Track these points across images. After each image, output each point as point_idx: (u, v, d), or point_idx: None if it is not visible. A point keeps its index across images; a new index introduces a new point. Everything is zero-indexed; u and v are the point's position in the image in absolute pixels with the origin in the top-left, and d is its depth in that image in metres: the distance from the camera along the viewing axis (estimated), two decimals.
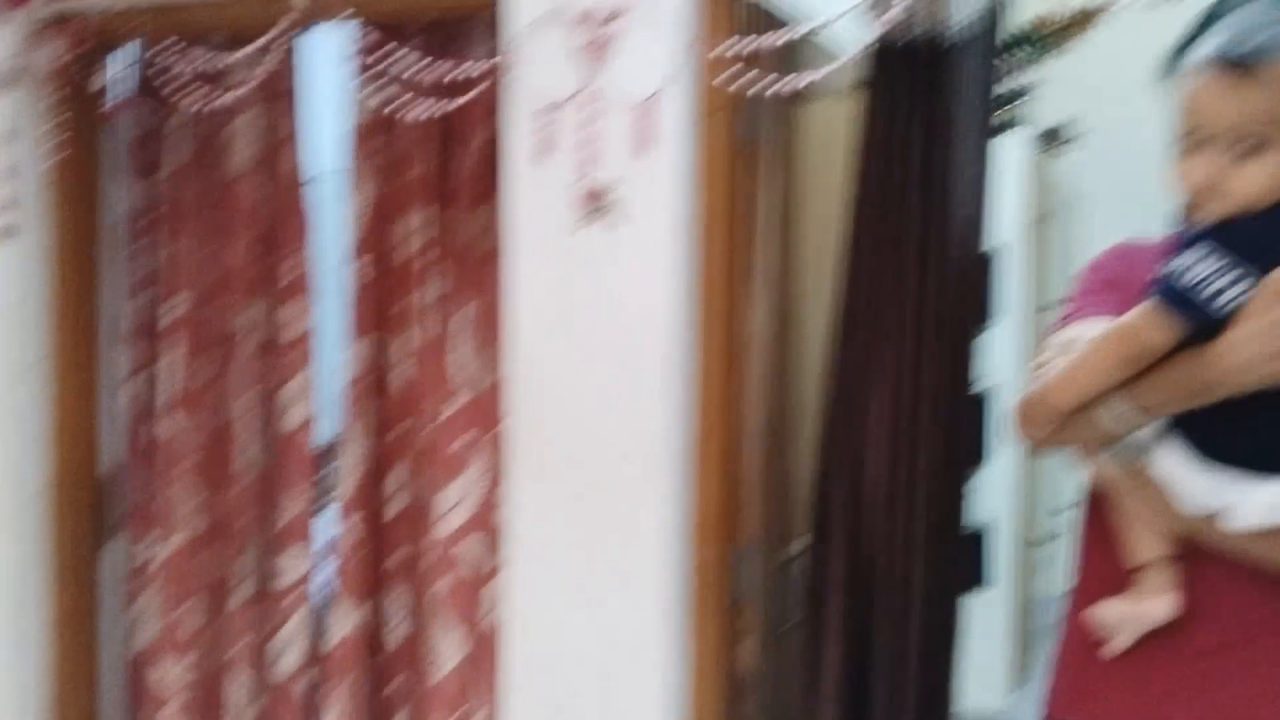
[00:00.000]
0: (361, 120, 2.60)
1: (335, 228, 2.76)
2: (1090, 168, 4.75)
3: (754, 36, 2.12)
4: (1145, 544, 1.44)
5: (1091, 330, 1.43)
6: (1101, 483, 1.49)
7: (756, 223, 2.30)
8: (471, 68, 2.32)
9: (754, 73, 2.14)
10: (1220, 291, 1.26)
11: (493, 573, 2.45)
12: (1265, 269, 1.25)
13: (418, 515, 2.61)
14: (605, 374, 2.18)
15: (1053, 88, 4.32)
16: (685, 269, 2.15)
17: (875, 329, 2.22)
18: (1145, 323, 1.31)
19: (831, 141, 2.48)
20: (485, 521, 2.46)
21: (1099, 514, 1.54)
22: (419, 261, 2.58)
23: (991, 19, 2.23)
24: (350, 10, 2.40)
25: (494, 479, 2.44)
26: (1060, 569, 4.86)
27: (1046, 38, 4.33)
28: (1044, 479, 4.84)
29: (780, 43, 2.09)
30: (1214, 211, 1.28)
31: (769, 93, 2.10)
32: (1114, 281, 1.52)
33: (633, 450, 2.16)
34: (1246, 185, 1.26)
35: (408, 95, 2.46)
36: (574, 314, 2.20)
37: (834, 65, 2.05)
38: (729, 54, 2.12)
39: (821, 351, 2.28)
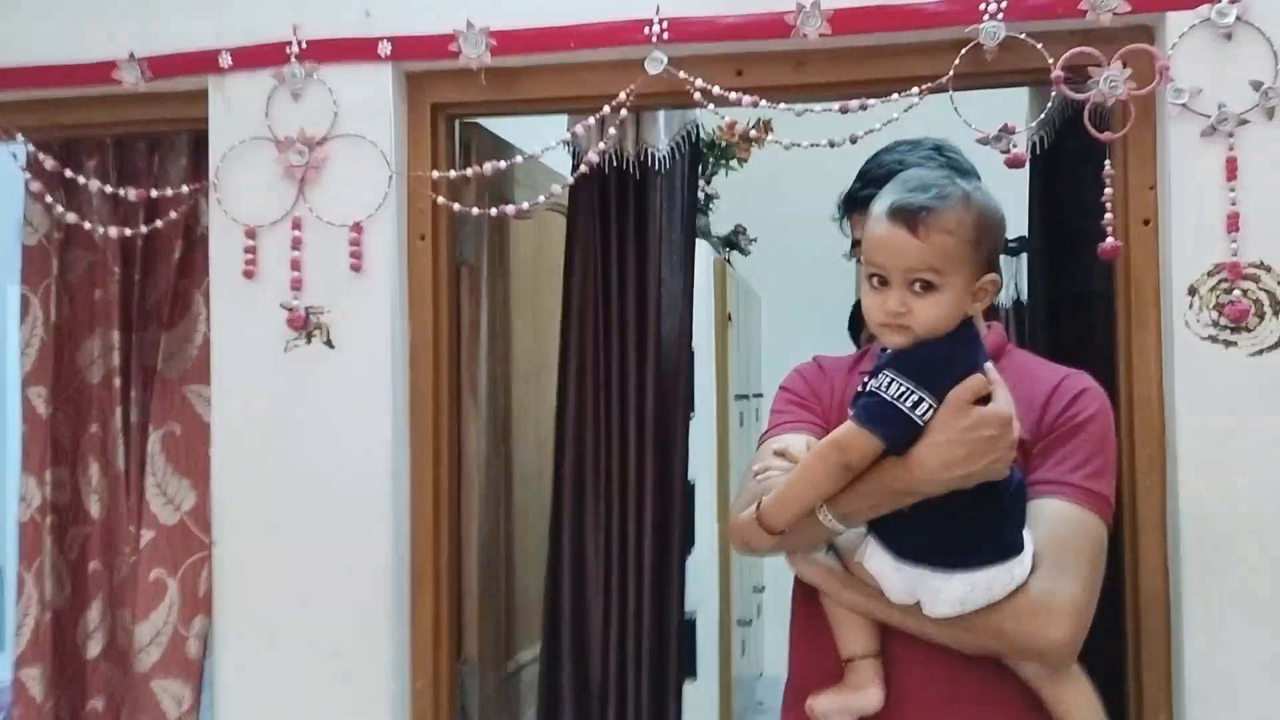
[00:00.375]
0: (35, 239, 2.48)
1: (12, 353, 2.59)
2: (766, 270, 5.11)
3: (470, 167, 2.18)
4: (854, 639, 1.60)
5: (796, 441, 1.62)
6: (811, 582, 1.63)
7: (474, 340, 2.34)
8: (176, 189, 2.27)
9: (466, 196, 2.21)
10: (909, 411, 1.44)
11: (192, 709, 2.34)
12: (944, 389, 1.45)
13: (118, 653, 2.45)
14: (317, 497, 2.14)
15: (733, 195, 4.60)
16: (398, 390, 2.15)
17: (594, 434, 2.33)
18: (849, 440, 1.47)
19: (547, 257, 2.58)
20: (184, 656, 2.34)
21: (806, 610, 1.69)
22: (108, 385, 2.45)
23: (689, 140, 2.39)
24: (32, 128, 2.29)
25: (194, 609, 2.33)
26: (763, 650, 5.09)
27: (727, 149, 4.64)
28: (742, 560, 5.06)
29: (490, 172, 2.16)
30: (899, 339, 1.47)
31: (480, 213, 2.17)
32: (806, 399, 1.74)
33: (349, 574, 2.12)
34: (924, 316, 1.46)
35: (90, 214, 2.37)
36: (283, 438, 2.15)
37: (543, 197, 2.13)
38: (439, 177, 2.17)
39: (541, 464, 2.34)
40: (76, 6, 2.23)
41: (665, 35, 2.05)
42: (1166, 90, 1.93)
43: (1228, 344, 1.91)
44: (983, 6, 1.97)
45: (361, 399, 2.14)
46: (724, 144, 4.68)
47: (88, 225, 2.30)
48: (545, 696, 2.34)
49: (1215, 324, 1.91)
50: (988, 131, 1.97)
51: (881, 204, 1.49)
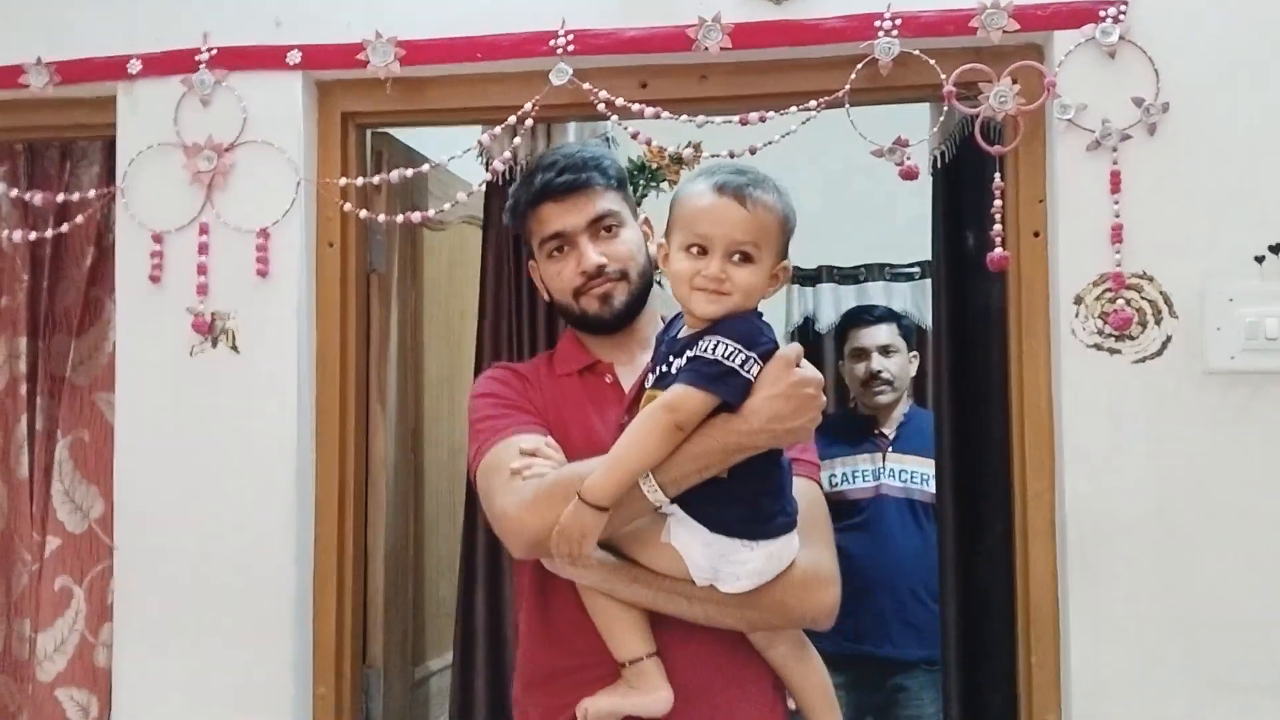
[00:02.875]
0: None
1: None
2: None
3: (379, 173, 2.20)
4: (634, 639, 1.67)
5: (535, 441, 1.72)
6: (590, 584, 1.68)
7: (384, 349, 2.35)
8: (84, 194, 2.27)
9: (377, 205, 2.23)
10: (738, 368, 1.58)
11: (100, 718, 2.31)
12: (763, 353, 1.61)
13: (13, 664, 2.42)
14: (221, 503, 2.13)
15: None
16: (303, 395, 2.16)
17: None
18: (680, 401, 1.57)
19: (463, 268, 2.60)
20: (91, 664, 2.32)
21: (540, 605, 1.79)
22: (13, 393, 2.44)
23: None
24: None
25: (103, 617, 2.32)
26: None
27: (658, 171, 4.68)
28: None
29: (396, 179, 2.18)
30: (714, 307, 1.61)
31: (388, 221, 2.18)
32: (518, 402, 1.83)
33: (251, 579, 2.12)
34: (742, 283, 1.61)
35: (7, 220, 2.37)
36: (188, 443, 2.15)
37: (448, 205, 2.15)
38: (347, 185, 2.18)
39: (454, 472, 2.35)
40: None
41: (570, 48, 2.09)
42: (1053, 106, 1.99)
43: (1112, 351, 1.97)
44: (878, 24, 2.03)
45: (266, 404, 2.14)
46: (654, 166, 4.74)
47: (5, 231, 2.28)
48: (458, 704, 2.34)
49: (1100, 332, 1.97)
50: (882, 145, 2.02)
51: (704, 182, 1.64)
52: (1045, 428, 2.03)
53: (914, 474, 3.18)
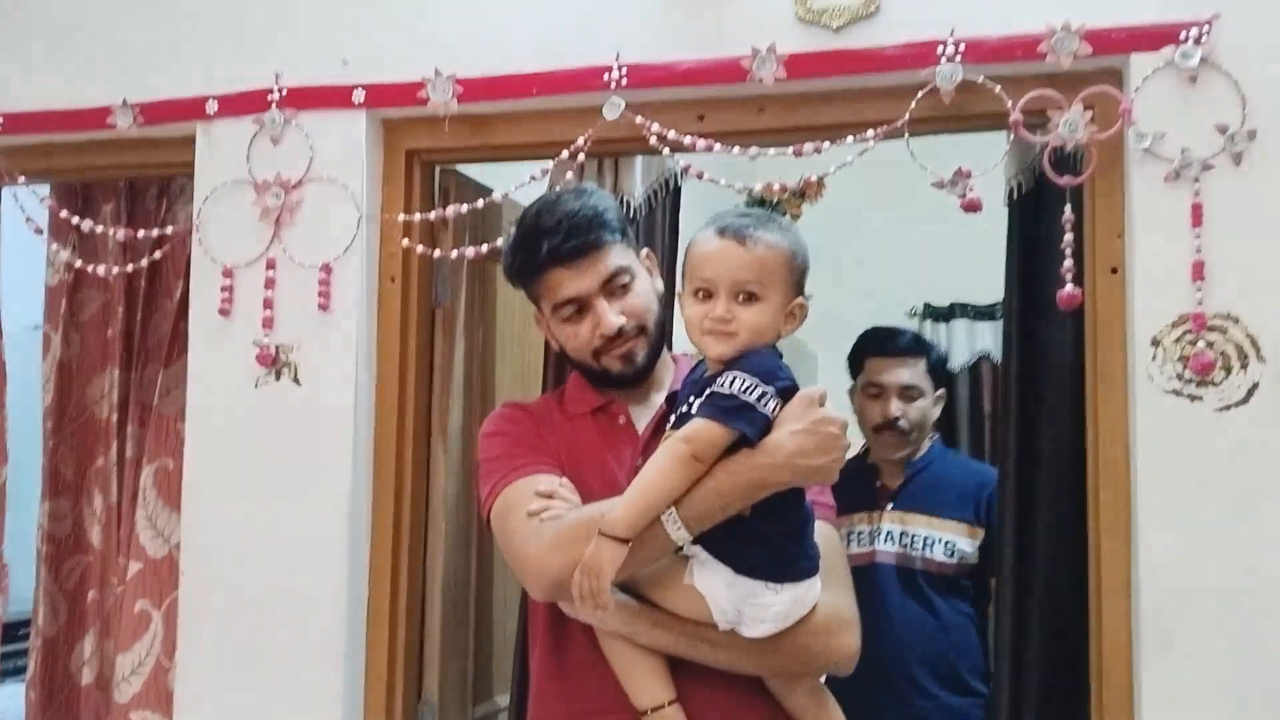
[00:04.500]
0: (56, 279, 2.60)
1: (31, 385, 2.71)
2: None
3: (434, 210, 2.21)
4: (655, 685, 1.62)
5: (551, 482, 1.68)
6: (612, 628, 1.63)
7: (447, 382, 2.35)
8: (166, 231, 2.35)
9: (444, 242, 2.24)
10: (755, 403, 1.55)
11: None
12: (782, 390, 1.57)
13: (105, 682, 2.51)
14: (278, 534, 2.16)
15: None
16: (360, 429, 2.18)
17: None
18: (697, 433, 1.54)
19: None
20: (165, 688, 2.38)
21: (552, 649, 1.74)
22: (112, 420, 2.54)
23: (668, 188, 2.37)
24: (34, 171, 2.40)
25: (175, 643, 2.38)
26: None
27: (778, 204, 4.62)
28: None
29: (465, 211, 2.18)
30: (723, 347, 1.60)
31: (457, 256, 2.19)
32: (532, 441, 1.78)
33: (304, 610, 2.14)
34: (749, 321, 1.59)
35: (105, 255, 2.48)
36: (250, 473, 2.19)
37: (502, 239, 2.13)
38: (406, 220, 2.20)
39: None
40: (76, 57, 2.35)
41: (624, 81, 2.06)
42: (1130, 134, 1.86)
43: (1193, 398, 1.82)
44: (940, 50, 1.93)
45: (324, 436, 2.16)
46: (775, 201, 4.68)
47: (79, 264, 2.39)
48: None
49: (1180, 377, 1.82)
50: (943, 176, 1.93)
51: (709, 228, 1.64)
52: (1122, 482, 1.89)
53: (916, 537, 2.62)
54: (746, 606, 1.59)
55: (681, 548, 1.58)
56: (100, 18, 2.35)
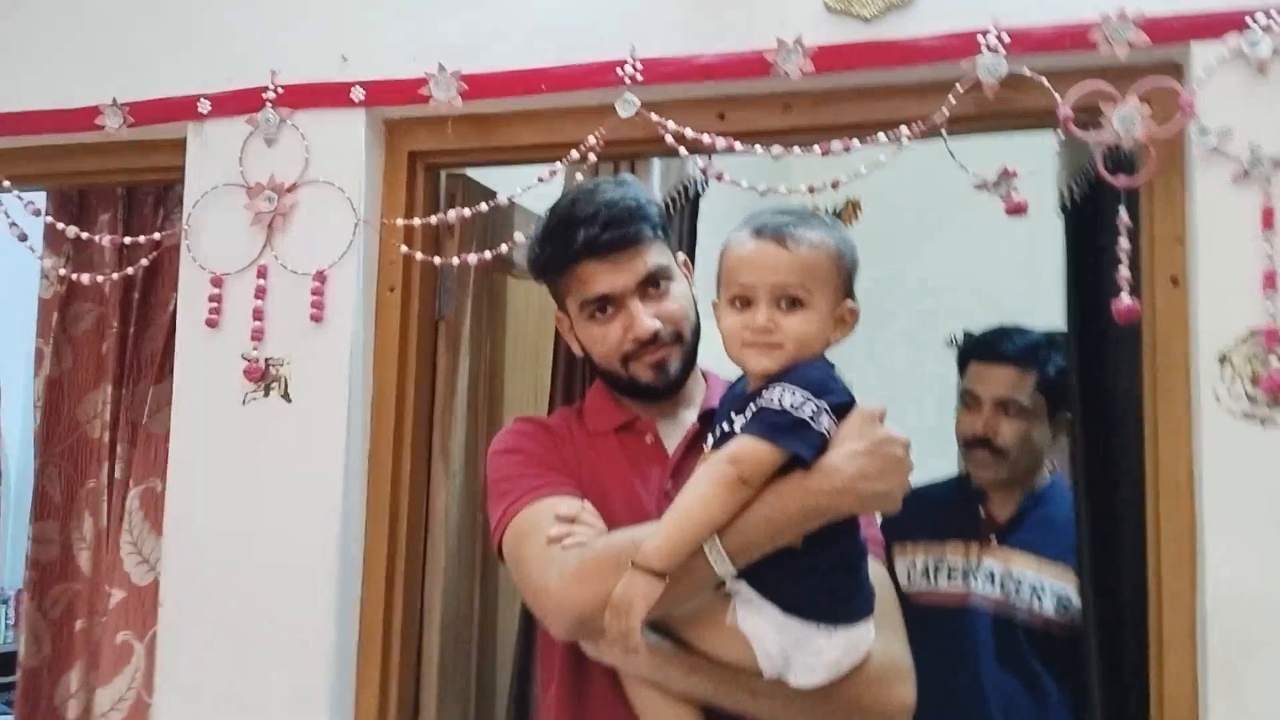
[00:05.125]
0: (50, 291, 2.48)
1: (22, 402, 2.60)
2: None
3: (435, 215, 2.07)
4: None
5: (573, 505, 1.51)
6: (639, 673, 1.46)
7: (450, 400, 2.20)
8: (155, 237, 2.23)
9: (449, 250, 2.10)
10: (809, 419, 1.38)
11: None
12: (835, 405, 1.41)
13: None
14: (263, 563, 2.01)
15: None
16: (353, 449, 2.02)
17: None
18: (745, 452, 1.37)
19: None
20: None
21: (575, 698, 1.56)
22: (104, 440, 2.42)
23: (686, 194, 2.23)
24: (35, 177, 2.29)
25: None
26: None
27: (839, 213, 4.47)
28: None
29: (468, 215, 2.04)
30: (766, 360, 1.44)
31: (461, 264, 2.04)
32: (548, 460, 1.62)
33: (291, 644, 1.98)
34: (794, 331, 1.43)
35: (101, 266, 2.36)
36: (234, 497, 2.04)
37: (505, 246, 1.99)
38: (404, 225, 2.06)
39: None
40: (61, 56, 2.23)
41: (639, 77, 1.91)
42: (1192, 130, 1.69)
43: (1264, 421, 1.64)
44: (982, 40, 1.77)
45: (314, 457, 2.01)
46: (834, 211, 4.52)
47: (62, 272, 2.27)
48: None
49: (1250, 398, 1.64)
50: (985, 176, 1.76)
51: (743, 230, 1.48)
52: (1186, 513, 1.70)
53: (1022, 583, 2.20)
54: (796, 652, 1.41)
55: (723, 583, 1.41)
56: (89, 16, 2.24)
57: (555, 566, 1.45)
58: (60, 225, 2.26)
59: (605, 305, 1.63)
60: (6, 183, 2.23)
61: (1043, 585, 2.19)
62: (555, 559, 1.46)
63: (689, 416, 1.67)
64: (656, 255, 1.64)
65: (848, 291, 1.49)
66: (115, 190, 2.46)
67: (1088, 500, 1.94)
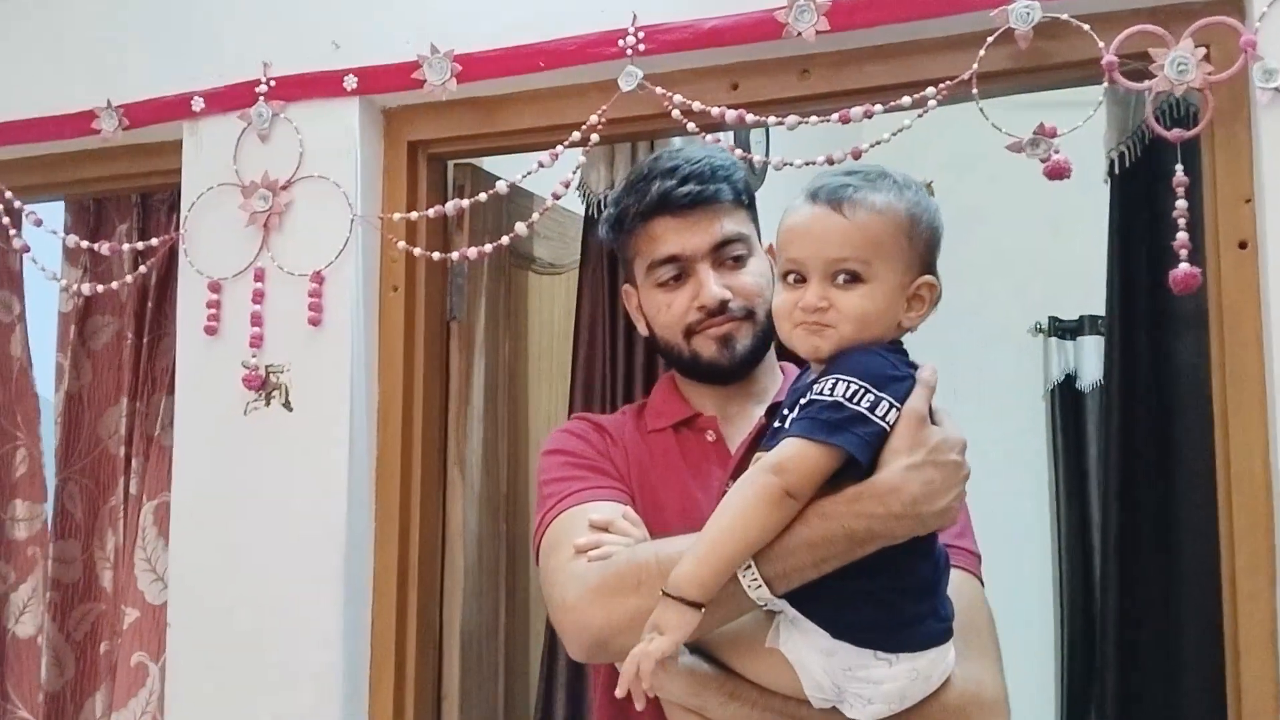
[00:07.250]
0: (70, 304, 2.42)
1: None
2: None
3: (434, 206, 1.94)
4: None
5: (608, 512, 1.35)
6: (674, 697, 1.28)
7: (465, 405, 2.08)
8: (152, 243, 2.15)
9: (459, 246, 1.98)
10: (868, 412, 1.19)
11: None
12: (898, 396, 1.21)
13: None
14: (269, 581, 1.91)
15: None
16: (358, 460, 1.91)
17: None
18: (791, 458, 1.18)
19: (567, 314, 2.31)
20: None
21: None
22: (123, 455, 2.34)
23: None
24: (23, 187, 2.22)
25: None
26: None
27: None
28: None
29: (467, 205, 1.92)
30: (819, 342, 1.25)
31: (473, 262, 1.92)
32: (595, 461, 1.47)
33: (297, 667, 1.88)
34: (851, 309, 1.23)
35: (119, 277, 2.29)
36: (238, 513, 1.94)
37: (507, 238, 1.86)
38: (403, 219, 1.94)
39: None
40: (53, 63, 2.16)
41: (642, 47, 1.77)
42: (1255, 73, 1.50)
43: None
44: None
45: (316, 469, 1.90)
46: None
47: (64, 282, 2.20)
48: None
49: None
50: (1021, 137, 1.58)
51: (800, 196, 1.28)
52: (1262, 507, 1.51)
53: None
54: (849, 681, 1.22)
55: (764, 606, 1.23)
56: (79, 21, 2.16)
57: (575, 581, 1.30)
58: (61, 235, 2.18)
59: (675, 271, 1.49)
60: (9, 193, 2.16)
61: None
62: (577, 573, 1.31)
63: (758, 411, 1.49)
64: (736, 222, 1.50)
65: (926, 265, 1.28)
66: (130, 198, 2.39)
67: (1118, 500, 1.75)
